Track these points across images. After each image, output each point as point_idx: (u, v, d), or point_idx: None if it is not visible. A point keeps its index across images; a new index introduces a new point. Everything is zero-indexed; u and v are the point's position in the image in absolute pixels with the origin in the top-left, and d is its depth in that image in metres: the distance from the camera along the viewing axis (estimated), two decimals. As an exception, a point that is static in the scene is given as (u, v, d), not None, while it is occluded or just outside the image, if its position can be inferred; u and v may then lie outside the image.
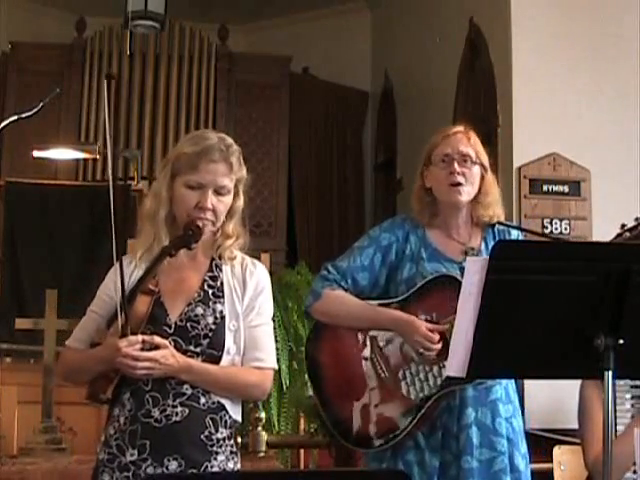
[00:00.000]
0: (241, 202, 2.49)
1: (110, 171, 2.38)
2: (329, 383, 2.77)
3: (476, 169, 2.74)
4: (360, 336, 2.73)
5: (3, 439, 4.78)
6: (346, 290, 2.76)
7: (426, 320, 2.66)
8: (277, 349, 4.67)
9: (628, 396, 2.80)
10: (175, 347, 2.35)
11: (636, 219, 2.69)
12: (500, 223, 2.82)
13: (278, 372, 4.67)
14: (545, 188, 4.96)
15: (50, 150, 6.52)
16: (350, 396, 2.73)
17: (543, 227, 4.93)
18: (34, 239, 6.58)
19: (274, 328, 4.65)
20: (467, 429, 2.66)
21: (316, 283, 2.79)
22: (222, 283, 2.45)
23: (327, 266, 2.80)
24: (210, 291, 2.43)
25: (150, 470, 2.31)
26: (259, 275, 2.49)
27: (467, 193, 2.73)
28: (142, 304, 2.33)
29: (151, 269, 2.36)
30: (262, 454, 3.93)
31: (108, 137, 2.41)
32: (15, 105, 7.31)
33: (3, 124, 3.06)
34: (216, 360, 2.38)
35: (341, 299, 2.74)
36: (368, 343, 2.72)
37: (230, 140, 2.48)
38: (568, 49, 5.04)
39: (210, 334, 2.37)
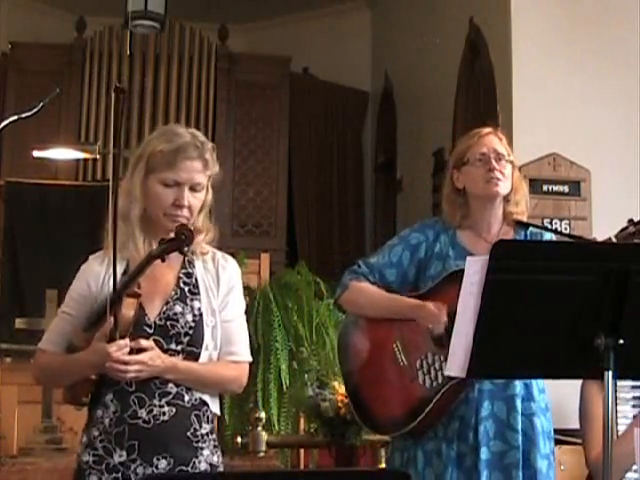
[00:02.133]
0: (210, 196, 2.50)
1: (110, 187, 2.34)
2: (355, 368, 2.87)
3: (509, 167, 2.85)
4: (387, 325, 2.81)
5: (3, 439, 4.79)
6: (373, 284, 2.85)
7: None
8: (277, 349, 4.72)
9: (629, 396, 2.81)
10: (156, 346, 2.36)
11: None
12: (534, 225, 2.91)
13: (278, 372, 4.67)
14: (545, 188, 4.95)
15: (50, 150, 6.52)
16: (372, 381, 2.82)
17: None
18: (34, 239, 6.59)
19: (274, 328, 4.71)
20: (484, 421, 2.70)
21: (345, 276, 2.90)
22: (197, 279, 2.46)
23: (358, 261, 2.91)
24: (186, 288, 2.44)
25: (140, 470, 2.32)
26: (231, 270, 2.52)
27: (503, 187, 2.82)
28: (128, 307, 2.32)
29: (139, 273, 2.34)
30: (262, 454, 3.93)
31: (112, 148, 2.38)
32: (15, 105, 7.30)
33: (3, 124, 3.06)
34: (196, 357, 2.40)
35: (365, 289, 2.85)
36: (393, 332, 2.80)
37: (202, 136, 2.49)
38: (568, 49, 5.04)
39: (190, 331, 2.39)
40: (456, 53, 6.08)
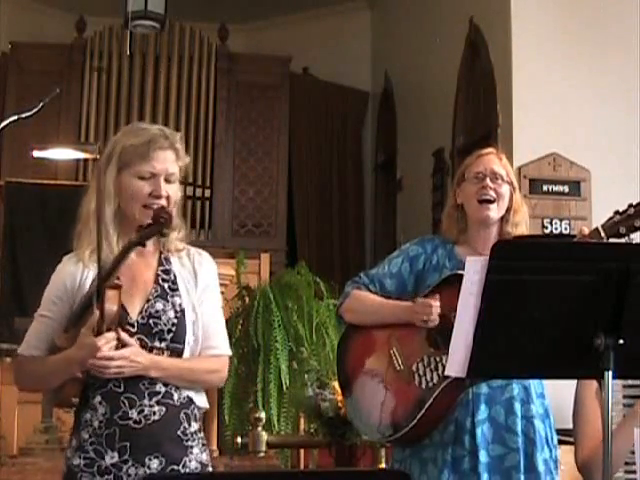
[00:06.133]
0: (180, 193, 2.49)
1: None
2: (353, 374, 2.89)
3: (506, 187, 2.87)
4: (384, 331, 2.85)
5: (3, 439, 4.78)
6: (374, 293, 2.91)
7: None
8: (277, 349, 4.72)
9: (620, 396, 2.81)
10: (140, 345, 2.35)
11: (629, 205, 2.74)
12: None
13: (278, 372, 4.67)
14: (545, 188, 4.96)
15: (50, 150, 6.50)
16: (369, 387, 2.84)
17: (543, 227, 4.93)
18: (34, 239, 6.58)
19: (274, 328, 4.70)
20: (481, 425, 2.71)
21: (347, 286, 2.97)
22: (175, 276, 2.45)
23: (360, 273, 2.99)
24: (165, 285, 2.43)
25: (132, 471, 2.31)
26: (207, 264, 2.52)
27: (496, 210, 2.85)
28: (112, 300, 2.30)
29: (119, 262, 2.32)
30: (262, 454, 3.92)
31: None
32: (15, 105, 7.31)
33: (3, 124, 3.06)
34: (179, 353, 2.39)
35: (365, 296, 2.91)
36: (390, 339, 2.84)
37: (168, 129, 2.51)
38: (568, 49, 5.05)
39: (173, 328, 2.38)
40: (456, 53, 6.08)
